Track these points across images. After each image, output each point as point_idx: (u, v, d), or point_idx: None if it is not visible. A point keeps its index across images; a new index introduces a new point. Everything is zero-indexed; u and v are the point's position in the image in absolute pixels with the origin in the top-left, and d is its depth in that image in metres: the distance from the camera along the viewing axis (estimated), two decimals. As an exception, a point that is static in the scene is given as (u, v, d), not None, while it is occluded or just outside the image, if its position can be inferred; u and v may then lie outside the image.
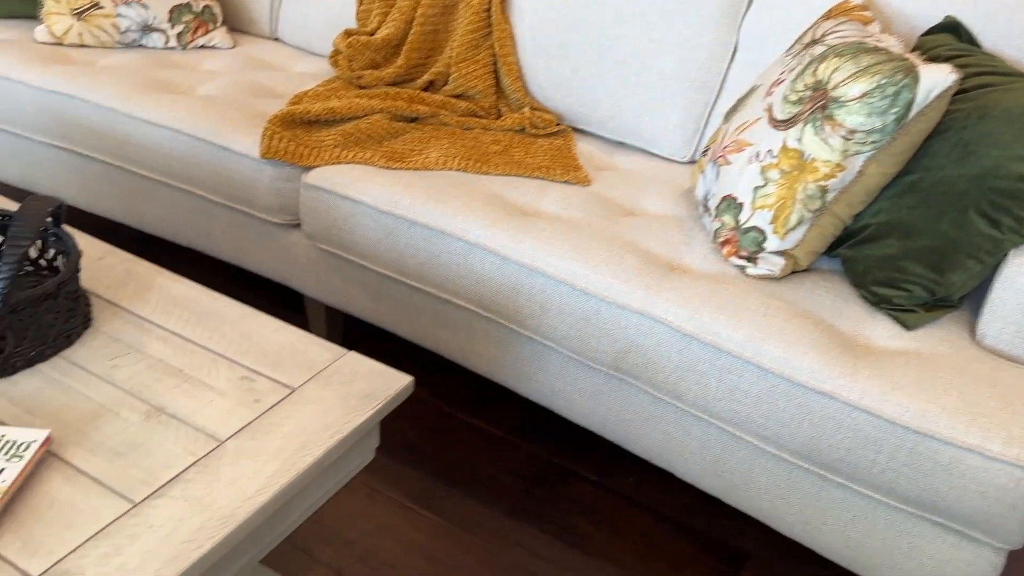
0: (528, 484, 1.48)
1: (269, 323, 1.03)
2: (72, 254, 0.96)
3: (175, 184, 1.63)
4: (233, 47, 2.03)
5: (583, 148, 1.67)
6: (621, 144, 1.72)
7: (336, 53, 1.83)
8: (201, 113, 1.58)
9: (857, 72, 1.12)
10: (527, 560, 1.34)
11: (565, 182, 1.50)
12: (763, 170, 1.20)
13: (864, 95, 1.11)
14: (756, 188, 1.21)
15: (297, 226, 1.58)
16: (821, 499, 1.17)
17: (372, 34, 1.85)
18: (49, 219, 1.02)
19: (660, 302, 1.19)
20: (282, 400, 0.91)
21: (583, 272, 1.24)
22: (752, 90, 1.36)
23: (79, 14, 1.89)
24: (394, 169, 1.48)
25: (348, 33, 1.85)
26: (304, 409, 0.90)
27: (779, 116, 1.21)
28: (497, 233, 1.31)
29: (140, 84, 1.70)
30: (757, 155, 1.22)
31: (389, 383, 0.95)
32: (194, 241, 1.72)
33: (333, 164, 1.50)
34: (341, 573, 1.29)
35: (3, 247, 1.01)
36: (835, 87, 1.13)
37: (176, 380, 0.92)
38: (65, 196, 1.82)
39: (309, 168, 1.51)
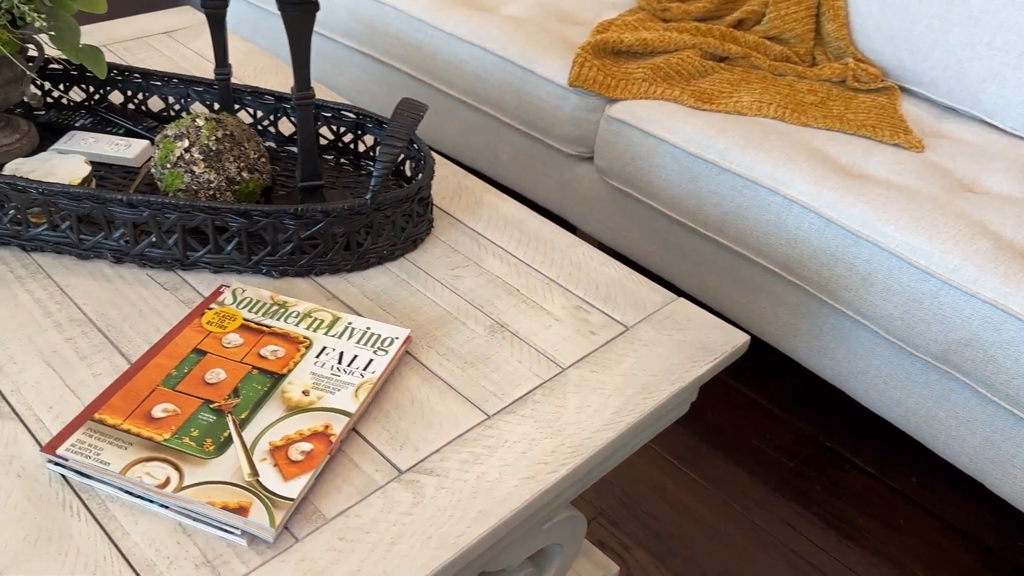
0: (798, 463, 1.40)
1: (596, 255, 1.00)
2: (427, 160, 0.97)
3: (473, 103, 1.65)
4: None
5: (908, 109, 1.51)
6: (951, 110, 1.54)
7: (643, -17, 1.76)
8: (511, 34, 1.57)
9: None
10: (795, 541, 1.27)
11: (895, 144, 1.36)
12: None
13: None
14: None
15: (588, 159, 1.55)
16: None
17: (682, -34, 1.76)
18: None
19: (1018, 294, 1.05)
20: (617, 337, 0.88)
21: (925, 248, 1.12)
22: None
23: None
24: (703, 110, 1.41)
25: (658, -37, 1.77)
26: (640, 350, 0.86)
27: None
28: (823, 192, 1.21)
29: (449, -1, 1.71)
30: None
31: (726, 337, 0.90)
32: (477, 162, 1.74)
33: (640, 99, 1.44)
34: (603, 511, 1.28)
35: (378, 147, 1.04)
36: None
37: (514, 299, 0.91)
38: (360, 103, 1.90)
39: (614, 100, 1.47)
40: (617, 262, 0.99)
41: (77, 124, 1.09)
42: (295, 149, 1.11)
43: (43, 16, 0.92)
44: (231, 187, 0.92)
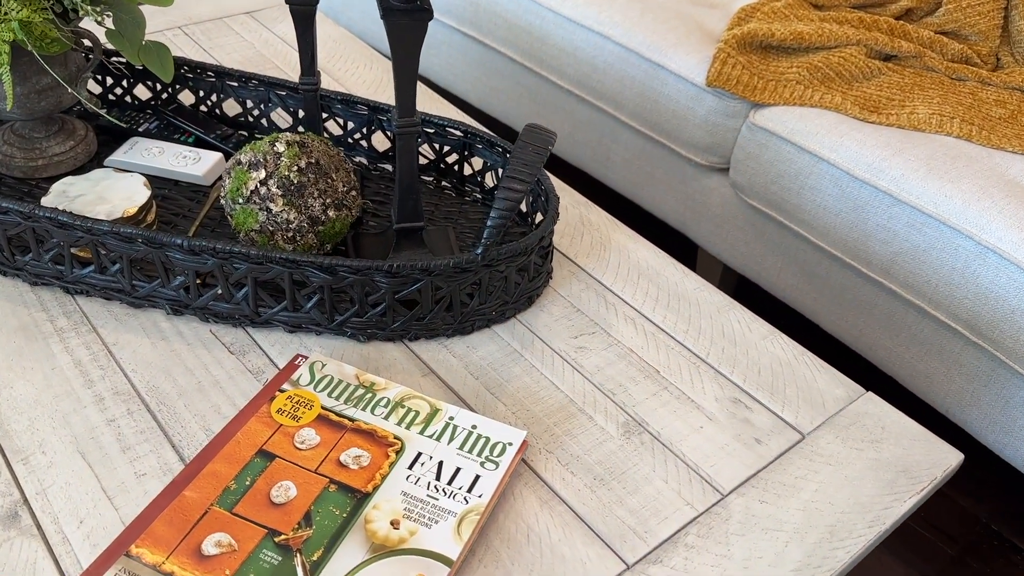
0: (959, 551, 1.18)
1: (755, 324, 0.80)
2: (551, 200, 0.79)
3: (587, 98, 1.44)
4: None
5: (1121, 128, 1.24)
6: None
7: (791, -39, 1.51)
8: (636, 19, 1.36)
9: None
10: (958, 653, 1.06)
11: (1117, 179, 1.10)
12: None
13: None
14: None
15: (721, 171, 1.33)
16: None
17: (840, -59, 1.50)
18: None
19: None
20: (791, 449, 0.68)
21: None
22: None
23: None
24: (870, 123, 1.17)
25: (810, -63, 1.52)
26: (823, 472, 0.67)
27: None
28: (1031, 241, 0.98)
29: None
30: None
31: (933, 456, 0.69)
32: (586, 164, 1.54)
33: (793, 105, 1.21)
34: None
35: (486, 172, 0.86)
36: None
37: (654, 385, 0.73)
38: (455, 88, 1.71)
39: (760, 106, 1.24)
40: (784, 336, 0.79)
41: (141, 128, 0.94)
42: (389, 168, 0.94)
43: (99, 10, 0.76)
44: (314, 228, 0.75)
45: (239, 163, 0.75)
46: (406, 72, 0.68)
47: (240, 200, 0.74)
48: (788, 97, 1.22)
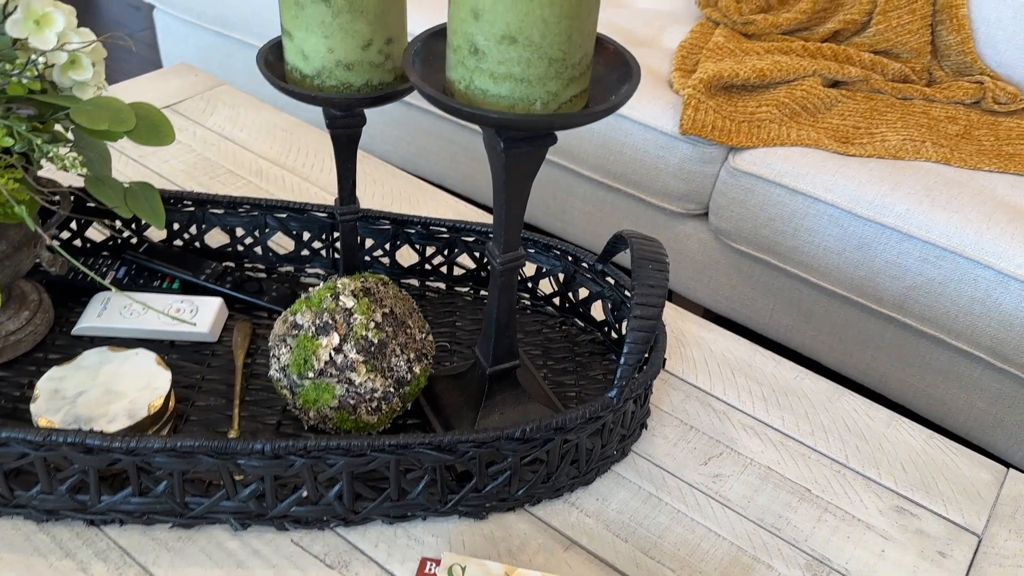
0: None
1: (873, 411, 0.74)
2: (662, 338, 0.69)
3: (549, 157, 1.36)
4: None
5: (1057, 133, 1.30)
6: (1100, 129, 1.34)
7: (717, -8, 1.50)
8: (588, 68, 1.29)
9: None
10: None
11: (1089, 188, 1.15)
12: None
13: None
14: None
15: (698, 216, 1.29)
16: None
17: (761, -31, 1.50)
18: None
19: None
20: (976, 556, 0.63)
21: None
22: None
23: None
24: (851, 156, 1.16)
25: (732, -33, 1.51)
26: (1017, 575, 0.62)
27: None
28: (1052, 265, 0.99)
29: None
30: None
31: (1104, 531, 0.66)
32: (540, 219, 1.46)
33: (772, 146, 1.19)
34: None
35: (627, 323, 0.75)
36: None
37: (813, 508, 0.65)
38: (376, 149, 1.58)
39: (738, 149, 1.21)
40: (907, 420, 0.74)
41: (108, 279, 0.76)
42: (415, 283, 0.81)
43: (75, 157, 0.60)
44: (400, 390, 0.62)
45: (298, 327, 0.61)
46: (516, 203, 0.57)
47: (310, 374, 0.60)
48: (765, 138, 1.19)
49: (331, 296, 0.61)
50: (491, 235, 0.76)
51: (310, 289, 0.66)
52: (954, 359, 1.10)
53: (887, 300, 1.11)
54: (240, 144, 1.01)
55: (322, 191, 0.95)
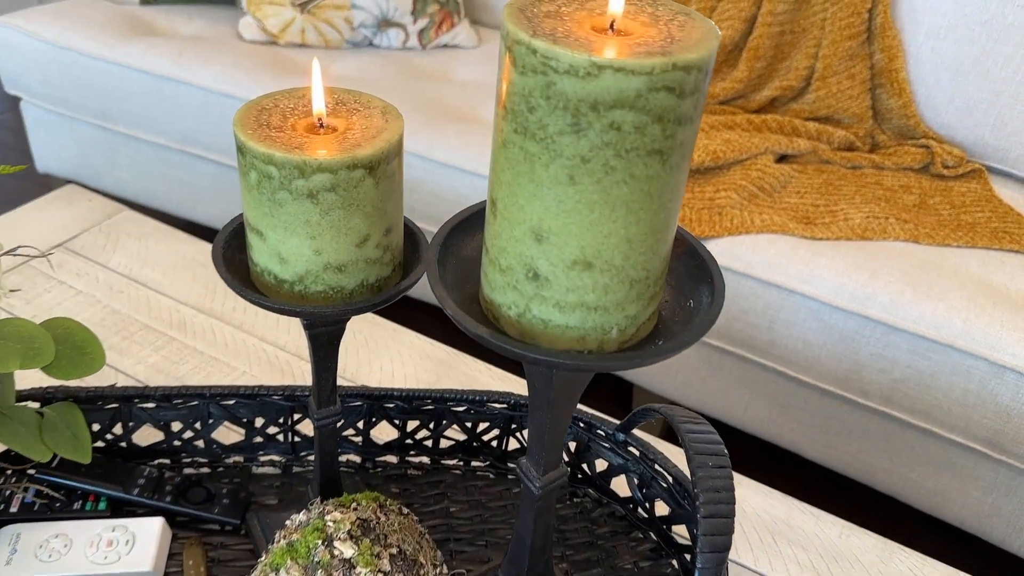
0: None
1: (927, 568, 0.67)
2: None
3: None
4: (478, 45, 1.62)
5: (1003, 194, 1.29)
6: (1039, 188, 1.34)
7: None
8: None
9: None
10: None
11: (1049, 257, 1.13)
12: None
13: None
14: None
15: (660, 307, 1.20)
16: None
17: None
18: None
19: None
20: None
21: None
22: None
23: (303, 5, 1.48)
24: (818, 239, 1.11)
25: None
26: None
27: None
28: (1048, 354, 0.95)
29: (416, 106, 1.30)
30: None
31: None
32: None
33: (737, 234, 1.12)
34: None
35: (696, 544, 0.64)
36: None
37: None
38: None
39: (702, 239, 1.13)
40: (961, 573, 0.67)
41: (13, 509, 0.60)
42: (393, 459, 0.68)
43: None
44: (418, 653, 0.49)
45: (286, 593, 0.47)
46: (562, 420, 0.46)
47: (307, 657, 0.46)
48: (729, 226, 1.12)
49: (323, 544, 0.48)
50: (491, 409, 0.65)
51: (287, 523, 0.52)
52: (946, 449, 1.05)
53: (873, 393, 1.05)
54: (154, 288, 0.86)
55: (261, 342, 0.81)
